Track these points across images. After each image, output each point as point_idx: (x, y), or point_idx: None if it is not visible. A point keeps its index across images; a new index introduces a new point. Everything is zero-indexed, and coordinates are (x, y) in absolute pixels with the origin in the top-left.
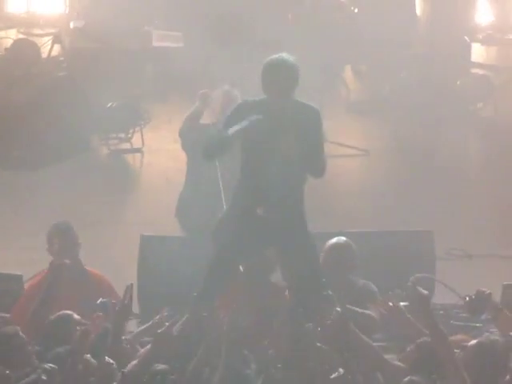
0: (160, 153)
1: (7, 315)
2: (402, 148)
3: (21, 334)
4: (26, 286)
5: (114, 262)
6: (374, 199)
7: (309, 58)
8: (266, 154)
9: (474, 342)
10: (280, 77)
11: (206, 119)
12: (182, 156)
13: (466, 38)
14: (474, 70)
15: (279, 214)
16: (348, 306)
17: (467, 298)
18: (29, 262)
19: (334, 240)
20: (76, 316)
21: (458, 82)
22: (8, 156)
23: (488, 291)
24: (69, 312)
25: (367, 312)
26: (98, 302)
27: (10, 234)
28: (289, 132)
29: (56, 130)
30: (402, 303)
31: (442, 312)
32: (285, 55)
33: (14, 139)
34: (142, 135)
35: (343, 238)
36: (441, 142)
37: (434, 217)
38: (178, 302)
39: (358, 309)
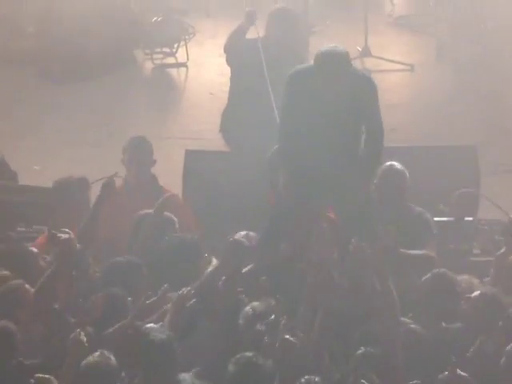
0: (205, 67)
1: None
2: (448, 62)
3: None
4: None
5: (159, 177)
6: (419, 114)
7: None
8: (320, 120)
9: (476, 293)
10: (335, 71)
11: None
12: (227, 70)
13: None
14: None
15: (334, 172)
16: (402, 250)
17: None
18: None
19: (387, 166)
20: None
21: None
22: (53, 69)
23: None
24: None
25: (423, 253)
26: None
27: (53, 147)
28: (344, 99)
29: (101, 44)
30: (445, 218)
31: (486, 227)
32: (337, 47)
33: (58, 53)
34: (186, 49)
35: (396, 164)
36: (486, 56)
37: (480, 132)
38: (221, 217)
39: (413, 252)
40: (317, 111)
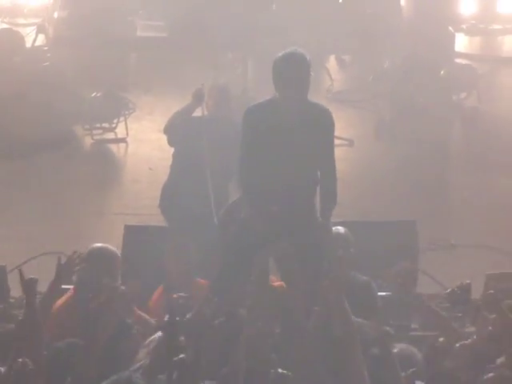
0: (144, 142)
1: None
2: (386, 138)
3: None
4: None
5: None
6: (358, 189)
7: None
8: (278, 153)
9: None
10: (300, 72)
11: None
12: (166, 146)
13: (449, 28)
14: (458, 60)
15: (293, 210)
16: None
17: (449, 290)
18: (10, 253)
19: (333, 231)
20: None
21: (442, 72)
22: None
23: (468, 281)
24: None
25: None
26: None
27: None
28: (302, 131)
29: (39, 120)
30: (384, 293)
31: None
32: (298, 49)
33: None
34: (126, 125)
35: (341, 229)
36: (425, 131)
37: (417, 206)
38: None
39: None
40: (274, 144)
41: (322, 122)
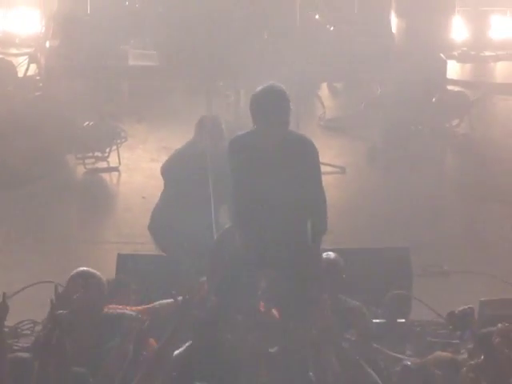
0: (136, 171)
1: None
2: (378, 165)
3: None
4: None
5: None
6: (351, 216)
7: (284, 76)
8: (264, 184)
9: None
10: (279, 105)
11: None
12: (158, 175)
13: (441, 54)
14: (450, 87)
15: (283, 238)
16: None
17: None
18: (3, 282)
19: (324, 256)
20: None
21: (434, 99)
22: None
23: (470, 306)
24: None
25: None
26: None
27: None
28: (284, 162)
29: (32, 149)
30: (378, 320)
31: (418, 329)
32: (276, 84)
33: None
34: (118, 154)
35: (332, 254)
36: (417, 158)
37: (410, 233)
38: None
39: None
40: (259, 175)
41: (304, 152)
